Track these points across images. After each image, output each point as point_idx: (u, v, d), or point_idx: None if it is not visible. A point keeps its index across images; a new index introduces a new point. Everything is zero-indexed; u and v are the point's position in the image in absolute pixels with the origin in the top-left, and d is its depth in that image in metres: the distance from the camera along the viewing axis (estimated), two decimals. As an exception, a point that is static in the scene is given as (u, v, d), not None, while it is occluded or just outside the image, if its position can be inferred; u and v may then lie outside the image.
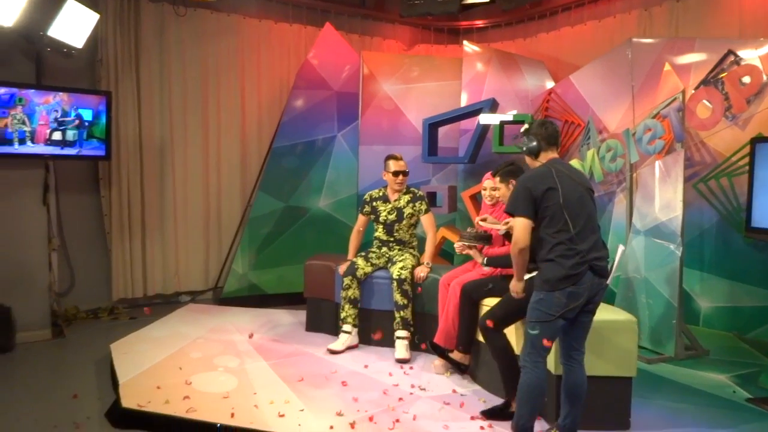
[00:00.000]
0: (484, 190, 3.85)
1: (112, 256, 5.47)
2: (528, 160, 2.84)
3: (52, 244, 4.98)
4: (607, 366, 2.93)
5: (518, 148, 2.79)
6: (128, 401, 3.19)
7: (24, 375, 3.97)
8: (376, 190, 4.57)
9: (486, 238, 3.54)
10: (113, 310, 5.42)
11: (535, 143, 2.76)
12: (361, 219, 4.55)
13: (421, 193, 4.48)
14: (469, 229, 3.66)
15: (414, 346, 4.14)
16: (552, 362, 2.94)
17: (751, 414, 3.23)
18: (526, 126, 2.82)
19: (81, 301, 5.36)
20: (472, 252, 3.61)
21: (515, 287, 2.87)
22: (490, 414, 3.08)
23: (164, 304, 5.72)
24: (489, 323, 3.13)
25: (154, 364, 3.78)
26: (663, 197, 4.14)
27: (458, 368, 3.66)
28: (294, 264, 5.79)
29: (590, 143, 5.16)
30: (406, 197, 4.42)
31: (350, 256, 4.48)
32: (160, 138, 5.70)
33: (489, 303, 3.43)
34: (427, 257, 4.30)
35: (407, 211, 4.38)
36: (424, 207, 4.39)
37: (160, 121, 5.70)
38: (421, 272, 4.14)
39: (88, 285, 5.44)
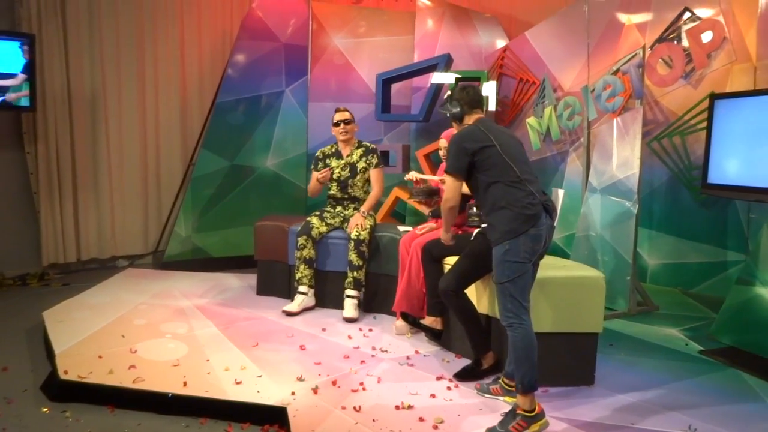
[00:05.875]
0: (441, 149, 3.77)
1: (41, 218, 5.02)
2: (454, 125, 2.91)
3: (-31, 204, 4.52)
4: (574, 322, 2.91)
5: (444, 114, 2.84)
6: (67, 372, 2.92)
7: (-57, 348, 3.59)
8: (328, 147, 4.36)
9: (436, 192, 3.68)
10: (44, 276, 5.02)
11: (458, 108, 2.81)
12: (315, 176, 4.26)
13: (373, 146, 4.31)
14: (417, 186, 3.79)
15: (367, 308, 4.03)
16: (487, 304, 2.98)
17: (705, 365, 3.32)
18: (449, 92, 2.88)
19: (7, 267, 4.92)
20: (422, 207, 3.72)
21: (444, 237, 3.07)
22: (462, 375, 3.01)
23: (100, 269, 5.35)
24: (448, 287, 3.02)
25: (93, 333, 3.50)
26: (620, 155, 4.14)
27: (432, 335, 3.49)
28: (240, 226, 5.54)
29: (546, 101, 5.12)
30: (359, 151, 4.24)
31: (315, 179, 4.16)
32: (91, 89, 5.23)
33: (451, 261, 3.35)
34: (365, 206, 4.13)
35: (360, 165, 4.21)
36: (375, 160, 4.23)
37: (91, 71, 5.21)
38: (357, 221, 4.00)
39: (14, 249, 4.99)
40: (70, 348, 3.24)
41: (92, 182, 5.31)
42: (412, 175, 3.79)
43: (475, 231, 3.17)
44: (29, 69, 4.53)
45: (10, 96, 4.48)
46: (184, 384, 2.84)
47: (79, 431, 2.57)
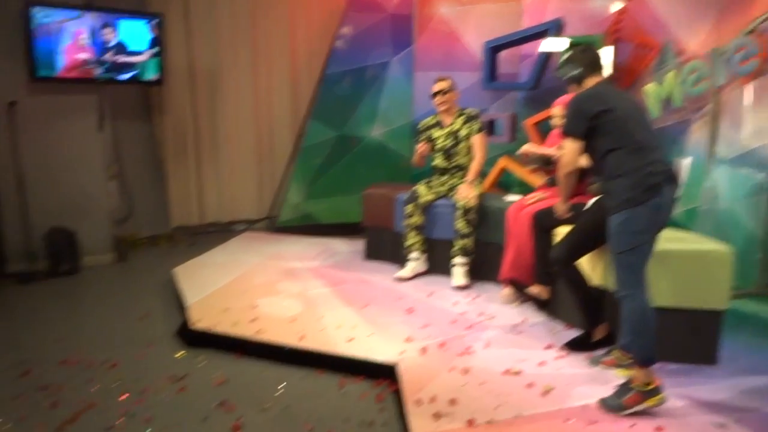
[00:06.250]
0: (553, 118, 3.67)
1: (168, 184, 5.47)
2: (572, 89, 2.78)
3: (110, 170, 4.99)
4: (697, 298, 2.76)
5: (560, 77, 2.70)
6: (198, 322, 3.21)
7: (93, 296, 4.06)
8: (430, 118, 4.37)
9: (548, 161, 3.59)
10: (171, 237, 5.49)
11: (578, 70, 2.70)
12: (419, 148, 4.28)
13: (474, 112, 4.26)
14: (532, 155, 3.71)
15: (473, 276, 4.03)
16: (601, 275, 2.88)
17: None
18: (566, 53, 2.77)
19: (140, 228, 5.43)
20: (535, 177, 3.58)
21: (560, 208, 3.08)
22: (573, 345, 2.96)
23: (220, 232, 5.75)
24: (559, 258, 2.96)
25: (218, 288, 3.80)
26: (755, 123, 3.81)
27: (537, 303, 3.51)
28: (348, 194, 5.70)
29: (667, 66, 4.79)
30: (461, 119, 4.21)
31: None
32: (210, 64, 5.57)
33: (562, 231, 3.27)
34: (470, 175, 4.10)
35: (463, 132, 4.18)
36: (476, 126, 4.18)
37: (209, 47, 5.55)
38: (465, 192, 3.96)
39: (146, 212, 5.49)
40: (199, 301, 3.55)
41: (212, 151, 5.69)
42: (526, 147, 3.69)
43: (591, 200, 3.07)
44: (156, 46, 4.88)
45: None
46: (301, 338, 3.02)
47: (210, 373, 2.83)
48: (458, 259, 3.96)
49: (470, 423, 2.26)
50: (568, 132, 2.64)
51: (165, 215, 5.54)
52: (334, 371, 2.84)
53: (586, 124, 2.55)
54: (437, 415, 2.30)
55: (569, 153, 2.65)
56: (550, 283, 3.41)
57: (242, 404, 2.55)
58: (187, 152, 5.52)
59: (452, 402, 2.41)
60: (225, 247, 4.89)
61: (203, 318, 3.26)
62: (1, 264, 4.43)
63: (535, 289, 3.43)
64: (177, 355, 3.04)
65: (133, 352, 3.07)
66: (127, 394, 2.62)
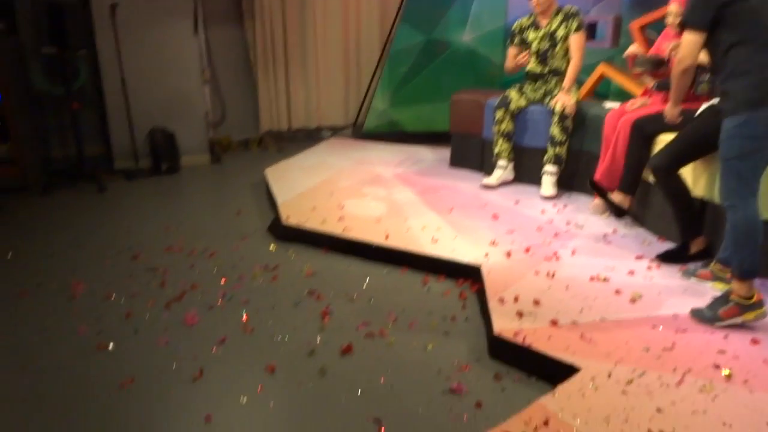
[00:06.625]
0: (668, 16, 3.32)
1: (259, 89, 5.57)
2: None
3: (204, 75, 5.13)
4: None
5: None
6: (288, 219, 3.35)
7: (192, 192, 4.34)
8: (525, 18, 4.09)
9: (660, 63, 3.24)
10: (261, 142, 5.66)
11: None
12: (512, 52, 4.09)
13: (574, 9, 3.93)
14: (641, 57, 3.36)
15: (563, 186, 3.90)
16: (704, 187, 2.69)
17: None
18: None
19: (232, 132, 5.62)
20: (638, 84, 3.32)
21: (670, 113, 2.82)
22: (666, 257, 2.84)
23: (307, 138, 5.86)
24: (660, 165, 2.77)
25: (306, 189, 3.92)
26: None
27: (616, 211, 3.36)
28: (434, 102, 5.57)
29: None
30: (558, 18, 3.92)
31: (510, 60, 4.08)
32: (300, -35, 5.46)
33: (665, 140, 3.06)
34: (567, 82, 3.85)
35: (560, 33, 3.90)
36: (575, 25, 3.87)
37: (299, -52, 5.42)
38: (563, 99, 3.73)
39: (237, 117, 5.67)
40: (289, 200, 3.68)
41: (300, 57, 5.69)
42: (633, 48, 3.42)
43: (702, 107, 2.83)
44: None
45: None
46: (386, 237, 3.09)
47: (300, 265, 2.97)
48: (549, 168, 3.83)
49: (553, 323, 2.25)
50: (689, 22, 2.35)
51: (255, 120, 5.69)
52: (418, 269, 2.90)
53: (712, 14, 2.26)
54: (520, 314, 2.32)
55: (689, 46, 2.36)
56: (634, 193, 3.26)
57: (330, 294, 2.68)
58: (276, 58, 5.56)
59: (536, 303, 2.41)
60: (312, 151, 5.00)
61: (293, 215, 3.40)
62: (109, 162, 4.79)
63: (617, 197, 3.27)
64: (269, 248, 3.21)
65: (229, 243, 3.27)
66: (225, 279, 2.82)
